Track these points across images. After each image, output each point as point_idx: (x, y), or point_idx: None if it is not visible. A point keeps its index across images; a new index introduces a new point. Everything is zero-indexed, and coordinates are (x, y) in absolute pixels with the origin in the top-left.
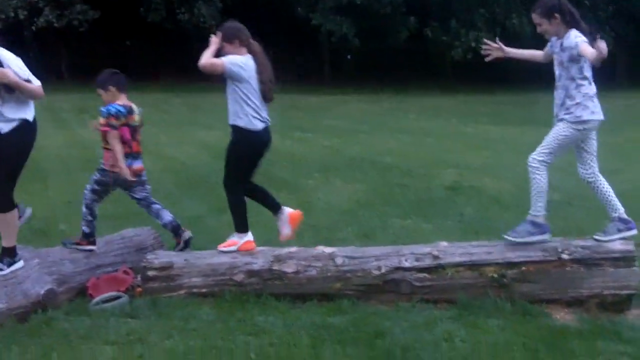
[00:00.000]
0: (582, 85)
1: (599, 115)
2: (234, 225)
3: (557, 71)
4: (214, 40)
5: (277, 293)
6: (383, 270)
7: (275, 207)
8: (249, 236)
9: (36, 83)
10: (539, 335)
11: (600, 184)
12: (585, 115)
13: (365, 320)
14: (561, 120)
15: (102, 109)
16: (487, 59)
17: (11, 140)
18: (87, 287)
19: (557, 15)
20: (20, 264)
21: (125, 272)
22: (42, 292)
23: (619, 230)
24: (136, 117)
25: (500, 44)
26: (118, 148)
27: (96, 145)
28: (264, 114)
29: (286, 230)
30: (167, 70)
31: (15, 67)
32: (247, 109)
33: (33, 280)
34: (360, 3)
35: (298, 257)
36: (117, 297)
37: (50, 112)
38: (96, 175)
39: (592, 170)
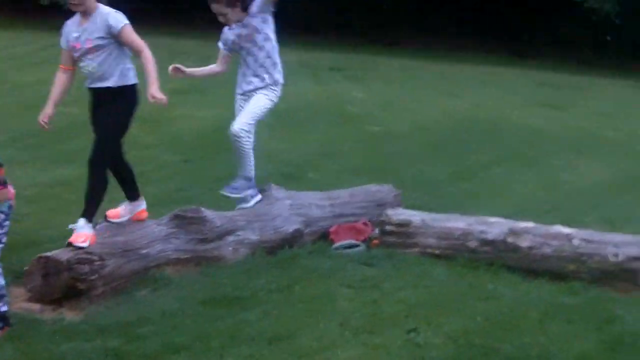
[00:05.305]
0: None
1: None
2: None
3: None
4: None
5: (509, 265)
6: (620, 258)
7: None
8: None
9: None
10: None
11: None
12: (281, 79)
13: (595, 304)
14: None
15: None
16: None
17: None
18: (329, 232)
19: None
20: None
21: (364, 223)
22: (291, 230)
23: (252, 196)
24: None
25: (180, 65)
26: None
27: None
28: None
29: (124, 217)
30: None
31: None
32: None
33: (284, 218)
34: None
35: (534, 233)
36: (356, 245)
37: None
38: None
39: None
